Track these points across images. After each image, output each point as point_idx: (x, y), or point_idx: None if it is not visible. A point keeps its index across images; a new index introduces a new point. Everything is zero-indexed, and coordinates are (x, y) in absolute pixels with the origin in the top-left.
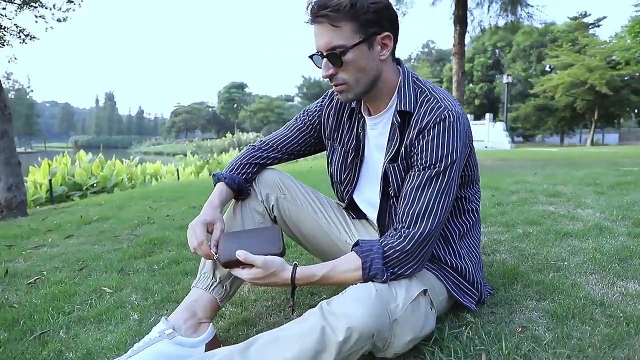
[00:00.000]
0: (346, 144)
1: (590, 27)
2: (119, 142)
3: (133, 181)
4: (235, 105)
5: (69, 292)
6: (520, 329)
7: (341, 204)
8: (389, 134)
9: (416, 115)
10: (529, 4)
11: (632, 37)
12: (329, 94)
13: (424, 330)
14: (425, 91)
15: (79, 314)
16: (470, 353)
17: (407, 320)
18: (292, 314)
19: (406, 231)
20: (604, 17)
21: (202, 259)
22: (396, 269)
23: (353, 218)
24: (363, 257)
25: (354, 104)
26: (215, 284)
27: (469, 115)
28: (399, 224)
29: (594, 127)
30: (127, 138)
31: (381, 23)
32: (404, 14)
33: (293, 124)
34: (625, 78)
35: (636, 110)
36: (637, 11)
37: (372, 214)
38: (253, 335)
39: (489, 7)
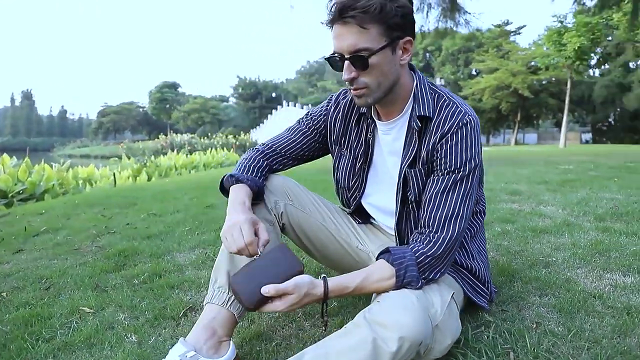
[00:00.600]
0: (354, 150)
1: (511, 34)
2: (39, 144)
3: (64, 187)
4: (167, 106)
5: (42, 315)
6: (534, 325)
7: (346, 209)
8: (406, 139)
9: (437, 120)
10: (466, 11)
11: (550, 44)
12: (334, 99)
13: (457, 332)
14: (443, 96)
15: (63, 339)
16: (498, 352)
17: (446, 325)
18: (325, 329)
19: (435, 236)
20: (524, 26)
21: (213, 273)
22: (427, 274)
23: (359, 223)
24: (397, 264)
25: (363, 109)
26: (232, 299)
27: None
28: (426, 228)
29: (517, 128)
30: (49, 140)
31: (405, 27)
32: None
33: (297, 128)
34: (544, 82)
35: (550, 112)
36: (554, 22)
37: (384, 219)
38: (271, 350)
39: (427, 12)
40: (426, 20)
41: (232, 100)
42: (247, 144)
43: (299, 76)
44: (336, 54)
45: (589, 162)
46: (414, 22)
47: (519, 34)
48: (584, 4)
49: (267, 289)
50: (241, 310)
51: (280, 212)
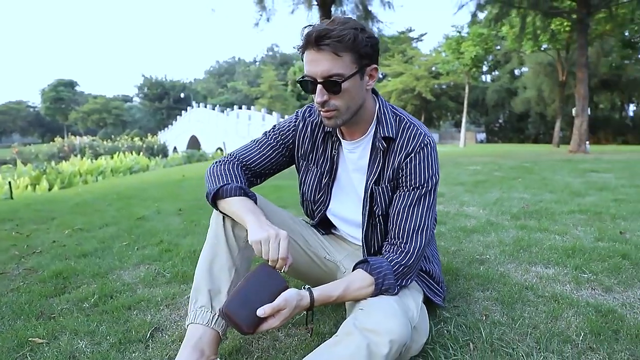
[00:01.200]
0: (321, 166)
1: (414, 40)
2: None
3: None
4: (64, 106)
5: None
6: (484, 318)
7: (310, 221)
8: (370, 157)
9: (400, 141)
10: (379, 20)
11: (450, 52)
12: (301, 115)
13: (427, 331)
14: (404, 119)
15: None
16: (460, 344)
17: (421, 325)
18: (310, 336)
19: (406, 246)
20: (425, 33)
21: (192, 293)
22: (401, 281)
23: (322, 234)
24: (375, 274)
25: (327, 128)
26: (216, 317)
27: None
28: (397, 239)
29: None
30: None
31: (373, 56)
32: (268, 20)
33: (264, 141)
34: (444, 87)
35: (450, 114)
36: (453, 31)
37: (349, 229)
38: None
39: None
40: None
41: (137, 100)
42: (155, 146)
43: (208, 76)
44: (309, 78)
45: (492, 163)
46: (379, 51)
47: (421, 40)
48: (477, 16)
49: (264, 311)
50: (225, 327)
51: None
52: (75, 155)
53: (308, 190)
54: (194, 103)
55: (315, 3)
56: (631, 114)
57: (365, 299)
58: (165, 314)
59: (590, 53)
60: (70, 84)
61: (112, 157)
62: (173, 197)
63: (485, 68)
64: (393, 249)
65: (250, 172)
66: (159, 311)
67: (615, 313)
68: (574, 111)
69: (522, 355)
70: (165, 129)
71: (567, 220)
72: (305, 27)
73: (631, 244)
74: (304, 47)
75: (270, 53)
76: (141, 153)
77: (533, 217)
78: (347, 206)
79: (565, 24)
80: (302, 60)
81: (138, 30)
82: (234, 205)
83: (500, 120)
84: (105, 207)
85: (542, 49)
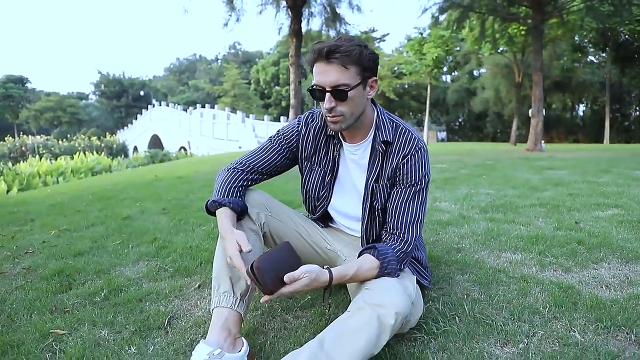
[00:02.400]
0: (324, 166)
1: (376, 41)
2: None
3: None
4: (13, 103)
5: (11, 344)
6: (465, 296)
7: (310, 215)
8: (370, 159)
9: (397, 145)
10: (347, 22)
11: (413, 53)
12: (304, 121)
13: (422, 307)
14: (400, 125)
15: None
16: (448, 318)
17: (417, 302)
18: (328, 310)
19: (405, 236)
20: (388, 34)
21: (214, 281)
22: (401, 266)
23: (322, 227)
24: (382, 259)
25: (330, 132)
26: (238, 300)
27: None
28: (396, 230)
29: None
30: None
31: (374, 69)
32: (238, 20)
33: (269, 146)
34: (406, 86)
35: (412, 113)
36: (416, 33)
37: (349, 223)
38: (271, 340)
39: (308, 20)
40: (307, 27)
41: (94, 98)
42: (115, 145)
43: (168, 74)
44: (318, 87)
45: (458, 162)
46: (378, 65)
47: (384, 41)
48: (439, 19)
49: (290, 277)
50: (246, 308)
51: (262, 222)
52: (30, 156)
53: (312, 188)
54: (154, 101)
55: (285, 4)
56: (581, 114)
57: (370, 280)
58: (177, 304)
59: (543, 56)
60: (20, 80)
61: (72, 158)
62: (153, 197)
63: (445, 68)
64: (394, 238)
65: (259, 173)
66: (170, 302)
67: (573, 289)
68: (530, 112)
69: (500, 325)
70: (125, 127)
71: (529, 212)
72: (316, 44)
73: (585, 232)
74: (315, 60)
75: (233, 51)
76: (102, 153)
77: (499, 211)
78: (347, 202)
79: (521, 28)
80: (312, 72)
81: (93, 24)
82: (218, 218)
83: (460, 119)
84: (83, 207)
85: (500, 51)
